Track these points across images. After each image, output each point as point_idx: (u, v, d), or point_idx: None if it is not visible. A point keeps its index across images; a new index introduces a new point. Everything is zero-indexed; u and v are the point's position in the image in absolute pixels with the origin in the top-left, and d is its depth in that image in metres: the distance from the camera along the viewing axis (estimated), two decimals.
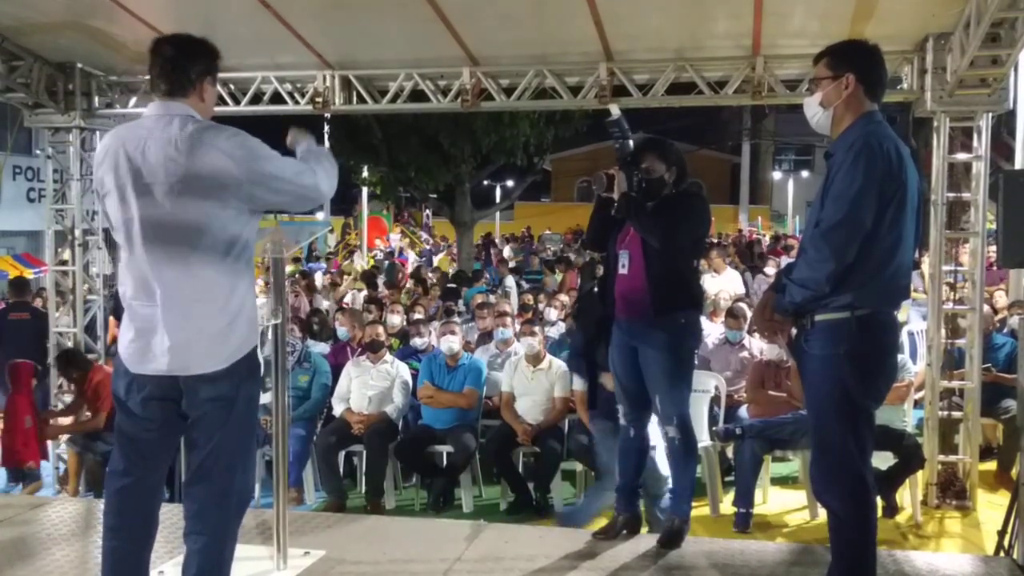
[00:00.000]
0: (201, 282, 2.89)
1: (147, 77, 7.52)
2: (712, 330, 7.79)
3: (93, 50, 7.27)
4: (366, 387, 6.92)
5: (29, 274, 14.36)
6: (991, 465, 6.98)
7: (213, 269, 2.90)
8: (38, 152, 17.06)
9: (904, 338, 7.73)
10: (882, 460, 5.81)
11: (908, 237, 3.12)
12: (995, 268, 9.44)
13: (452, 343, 6.94)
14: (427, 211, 30.68)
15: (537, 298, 10.87)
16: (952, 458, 6.43)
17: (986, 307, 6.89)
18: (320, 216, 28.85)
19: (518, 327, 7.66)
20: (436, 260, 22.64)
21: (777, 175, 40.44)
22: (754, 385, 6.62)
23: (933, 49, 6.15)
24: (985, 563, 4.19)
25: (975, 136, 6.33)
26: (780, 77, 6.66)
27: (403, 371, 7.05)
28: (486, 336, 8.17)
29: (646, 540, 4.16)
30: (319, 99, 7.31)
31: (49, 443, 7.34)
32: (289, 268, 12.25)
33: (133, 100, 7.82)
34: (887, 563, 3.89)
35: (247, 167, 2.88)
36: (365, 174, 17.26)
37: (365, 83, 7.36)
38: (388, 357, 7.12)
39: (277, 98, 7.42)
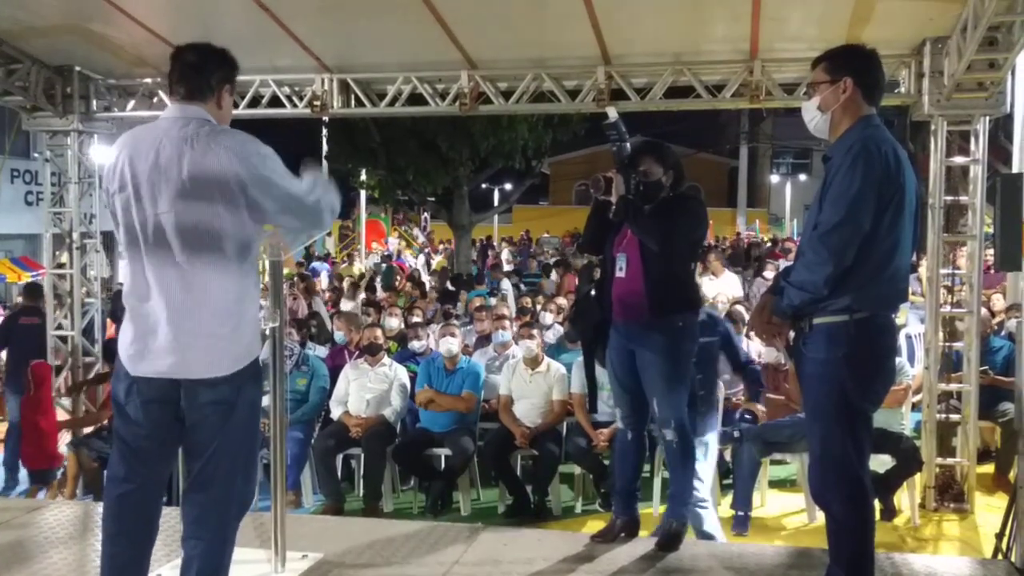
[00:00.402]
0: (207, 285, 2.88)
1: (146, 80, 7.64)
2: None
3: (91, 53, 7.28)
4: (364, 390, 6.91)
5: (27, 277, 14.37)
6: (989, 468, 6.99)
7: (220, 273, 2.90)
8: (36, 155, 17.06)
9: (902, 341, 7.74)
10: (880, 463, 5.81)
11: (906, 240, 3.13)
12: (992, 271, 9.46)
13: (451, 345, 6.94)
14: (425, 214, 30.69)
15: (535, 301, 10.87)
16: (950, 461, 6.44)
17: (983, 310, 6.89)
18: None
19: (515, 328, 7.66)
20: (434, 263, 22.66)
21: (775, 178, 40.50)
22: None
23: (930, 53, 6.16)
24: (983, 566, 4.19)
25: (972, 140, 6.34)
26: (778, 81, 6.68)
27: (401, 374, 7.04)
28: (484, 339, 8.17)
29: (644, 543, 4.15)
30: (317, 102, 7.32)
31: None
32: (286, 271, 12.24)
33: (131, 103, 7.83)
34: (885, 566, 3.88)
35: (253, 172, 2.87)
36: (363, 177, 17.27)
37: (363, 86, 7.37)
38: (386, 360, 7.12)
39: (275, 101, 7.42)
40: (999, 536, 4.27)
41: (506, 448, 6.59)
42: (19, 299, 12.48)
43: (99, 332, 8.28)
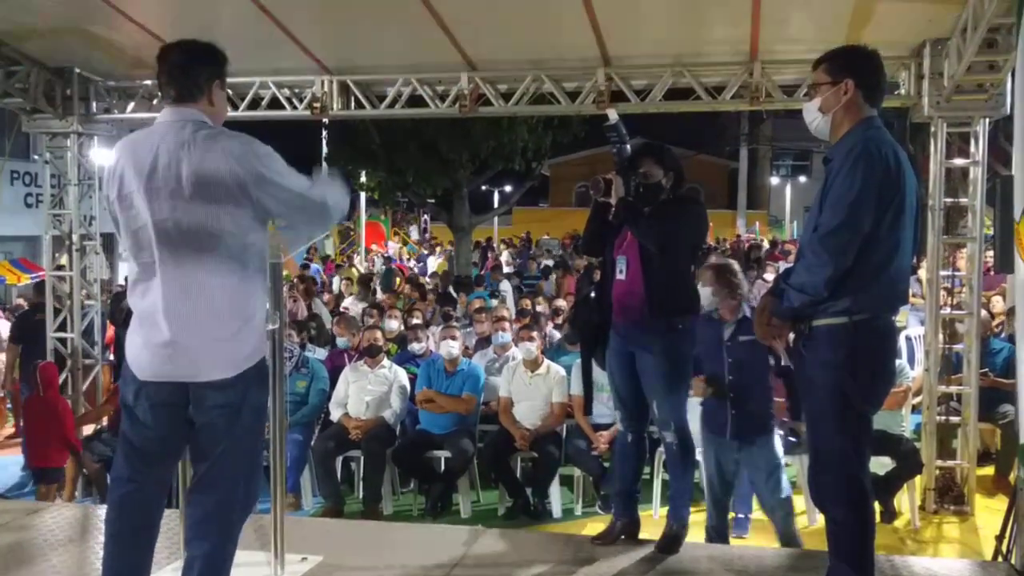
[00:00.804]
0: (211, 288, 2.88)
1: (146, 82, 7.65)
2: None
3: (91, 55, 7.28)
4: (364, 392, 6.91)
5: (27, 279, 14.36)
6: (989, 470, 6.99)
7: (224, 275, 2.90)
8: (36, 157, 17.05)
9: (902, 343, 7.73)
10: (880, 465, 5.81)
11: (906, 242, 3.12)
12: (992, 273, 9.45)
13: (452, 348, 6.94)
14: (425, 216, 30.68)
15: (535, 302, 10.86)
16: (950, 463, 6.43)
17: (983, 312, 6.89)
18: None
19: (515, 330, 7.66)
20: (435, 265, 22.64)
21: (775, 180, 40.50)
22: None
23: (930, 55, 6.17)
24: (983, 568, 4.19)
25: (972, 141, 6.35)
26: (778, 82, 6.68)
27: (401, 376, 7.04)
28: (484, 341, 8.17)
29: (644, 545, 4.15)
30: (317, 104, 7.32)
31: None
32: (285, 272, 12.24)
33: (131, 105, 7.82)
34: (885, 568, 3.88)
35: (253, 172, 2.88)
36: (363, 179, 17.26)
37: (363, 88, 7.37)
38: (386, 362, 7.11)
39: (275, 103, 7.42)
40: (999, 538, 4.27)
41: (506, 450, 6.59)
42: (19, 301, 12.49)
43: (99, 334, 8.28)
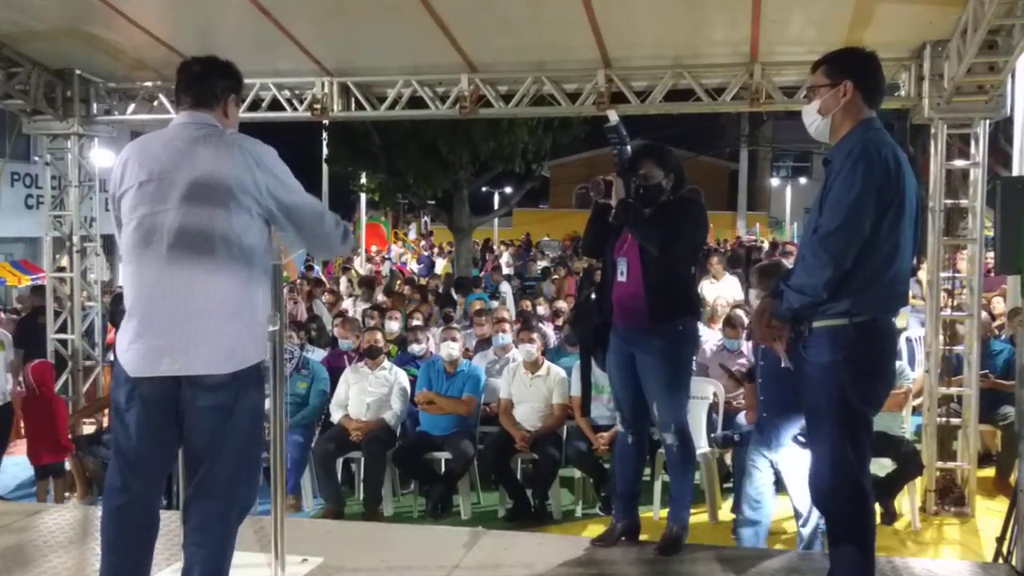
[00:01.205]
0: (212, 288, 2.89)
1: (146, 84, 7.63)
2: (710, 336, 7.78)
3: (92, 57, 7.28)
4: (364, 394, 6.91)
5: (27, 281, 14.37)
6: (989, 472, 6.98)
7: (226, 276, 2.90)
8: (36, 159, 17.07)
9: (902, 344, 7.73)
10: (880, 467, 5.80)
11: (906, 244, 3.12)
12: (993, 275, 9.45)
13: (452, 349, 6.94)
14: (425, 218, 30.67)
15: (535, 303, 10.87)
16: (950, 465, 6.43)
17: (984, 313, 6.89)
18: None
19: (515, 332, 7.65)
20: (440, 266, 22.60)
21: (775, 181, 40.50)
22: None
23: (930, 56, 6.17)
24: (984, 570, 4.19)
25: (972, 143, 6.35)
26: (778, 84, 6.68)
27: (401, 377, 7.04)
28: (484, 342, 8.17)
29: (645, 547, 4.15)
30: (317, 106, 7.33)
31: None
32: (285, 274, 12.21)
33: (131, 107, 7.83)
34: (886, 570, 3.88)
35: (264, 177, 2.92)
36: (363, 181, 17.25)
37: (363, 90, 7.38)
38: (386, 364, 7.11)
39: (276, 105, 7.43)
40: (999, 540, 4.27)
41: (506, 452, 6.59)
42: (18, 303, 12.49)
43: (99, 336, 8.28)
